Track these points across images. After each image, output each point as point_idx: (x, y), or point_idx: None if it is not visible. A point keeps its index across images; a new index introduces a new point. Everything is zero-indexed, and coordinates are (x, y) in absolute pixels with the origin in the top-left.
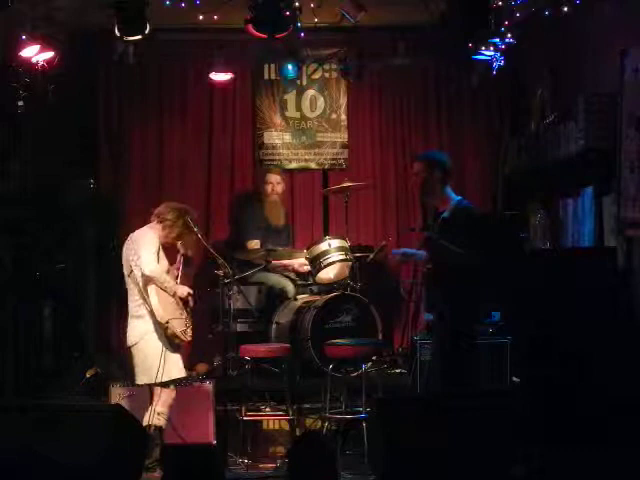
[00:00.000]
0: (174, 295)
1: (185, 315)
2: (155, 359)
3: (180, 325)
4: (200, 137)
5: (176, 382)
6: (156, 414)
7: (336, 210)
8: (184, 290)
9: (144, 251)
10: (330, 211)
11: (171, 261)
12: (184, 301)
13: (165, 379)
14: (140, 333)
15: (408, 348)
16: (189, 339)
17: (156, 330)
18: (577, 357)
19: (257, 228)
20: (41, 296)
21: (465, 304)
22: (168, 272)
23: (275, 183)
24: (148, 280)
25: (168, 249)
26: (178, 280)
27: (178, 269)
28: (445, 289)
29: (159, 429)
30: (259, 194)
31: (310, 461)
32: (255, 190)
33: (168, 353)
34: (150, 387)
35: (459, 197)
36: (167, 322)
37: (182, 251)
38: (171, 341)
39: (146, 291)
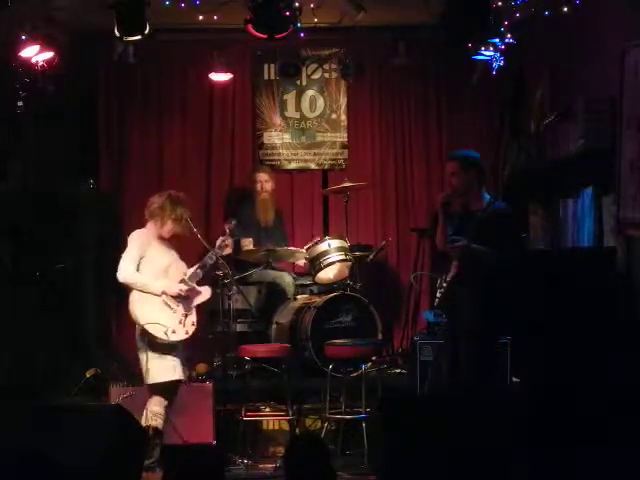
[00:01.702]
0: (163, 294)
1: (182, 311)
2: (145, 362)
3: (169, 324)
4: (200, 137)
5: (167, 384)
6: (151, 414)
7: (336, 210)
8: (174, 289)
9: (122, 257)
10: (330, 211)
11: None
12: (180, 297)
13: (151, 381)
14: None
15: (408, 348)
16: (178, 338)
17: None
18: (576, 357)
19: (248, 227)
20: (41, 296)
21: (496, 303)
22: (167, 271)
23: (263, 181)
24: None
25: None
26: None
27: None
28: (478, 287)
29: (155, 429)
30: (250, 193)
31: (306, 461)
32: (247, 189)
33: (153, 356)
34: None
35: (490, 196)
36: (143, 326)
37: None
38: (154, 344)
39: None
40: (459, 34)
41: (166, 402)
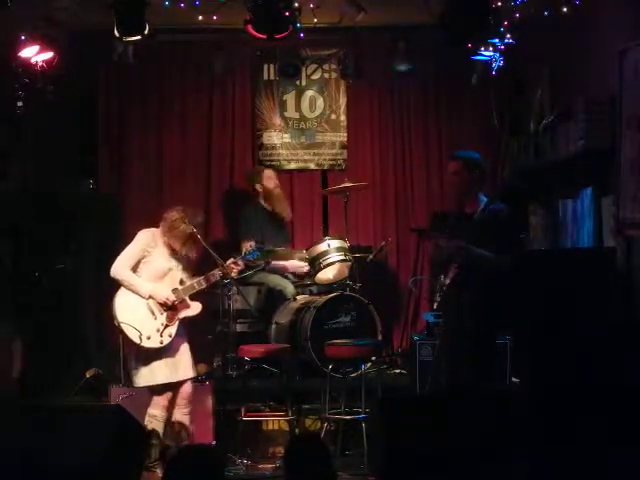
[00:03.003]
0: (149, 298)
1: (163, 321)
2: (131, 365)
3: (144, 330)
4: (199, 137)
5: (159, 387)
6: (148, 417)
7: (335, 211)
8: (162, 295)
9: (121, 252)
10: (329, 211)
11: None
12: (167, 305)
13: (136, 385)
14: None
15: (407, 348)
16: (149, 345)
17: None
18: (576, 358)
19: (254, 227)
20: (40, 296)
21: (496, 303)
22: (164, 276)
23: (274, 177)
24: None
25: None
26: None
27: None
28: (478, 288)
29: (152, 431)
30: (257, 194)
31: (306, 461)
32: (251, 190)
33: (139, 359)
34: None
35: (487, 198)
36: (119, 324)
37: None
38: (139, 347)
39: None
40: (459, 34)
41: (163, 403)
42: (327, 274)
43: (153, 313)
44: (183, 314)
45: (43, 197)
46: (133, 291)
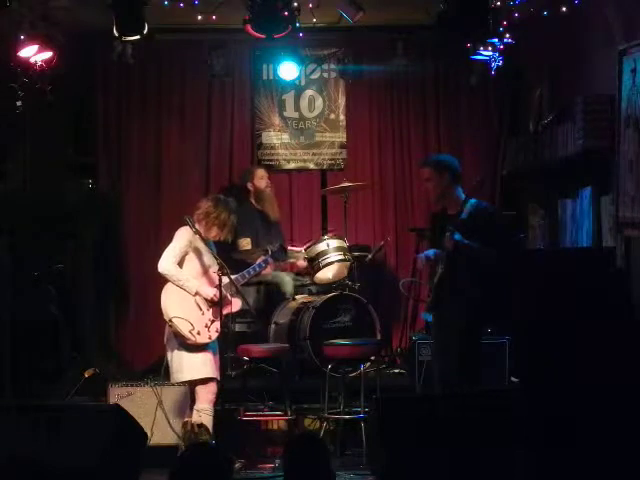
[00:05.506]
0: (196, 294)
1: (210, 316)
2: (174, 360)
3: (195, 325)
4: (199, 137)
5: (204, 381)
6: (195, 411)
7: (334, 210)
8: (208, 292)
9: (166, 250)
10: (329, 211)
11: None
12: (212, 302)
13: (182, 379)
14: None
15: (407, 348)
16: (200, 340)
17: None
18: (576, 357)
19: (248, 226)
20: (40, 296)
21: (482, 303)
22: (205, 273)
23: (266, 177)
24: (165, 277)
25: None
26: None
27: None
28: (464, 288)
29: (199, 425)
30: (249, 192)
31: (305, 461)
32: (244, 188)
33: (184, 354)
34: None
35: (474, 199)
36: (170, 320)
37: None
38: (181, 340)
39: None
40: (458, 34)
41: (210, 397)
42: (326, 274)
43: (200, 308)
44: (227, 310)
45: (43, 197)
46: (180, 287)
